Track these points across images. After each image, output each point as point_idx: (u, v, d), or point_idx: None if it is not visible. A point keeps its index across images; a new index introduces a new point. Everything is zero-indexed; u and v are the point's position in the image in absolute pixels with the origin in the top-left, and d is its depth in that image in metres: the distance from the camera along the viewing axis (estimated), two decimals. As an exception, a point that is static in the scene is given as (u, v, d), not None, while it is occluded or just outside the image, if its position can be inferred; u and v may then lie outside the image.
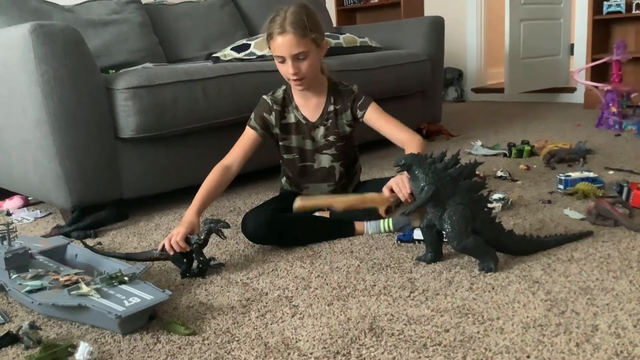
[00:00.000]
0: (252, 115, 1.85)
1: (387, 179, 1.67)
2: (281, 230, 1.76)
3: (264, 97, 1.86)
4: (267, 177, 2.58)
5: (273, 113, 1.84)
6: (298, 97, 1.85)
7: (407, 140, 1.75)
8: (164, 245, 1.59)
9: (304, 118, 1.85)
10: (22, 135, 2.06)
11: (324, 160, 1.89)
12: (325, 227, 1.84)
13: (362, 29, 3.76)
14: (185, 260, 1.59)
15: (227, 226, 1.61)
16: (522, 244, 1.57)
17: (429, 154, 1.52)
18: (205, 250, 1.64)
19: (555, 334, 1.16)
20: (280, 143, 1.89)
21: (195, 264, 1.60)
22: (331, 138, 1.86)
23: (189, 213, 1.66)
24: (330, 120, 1.84)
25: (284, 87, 1.87)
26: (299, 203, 1.52)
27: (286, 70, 1.71)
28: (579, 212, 1.88)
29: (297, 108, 1.85)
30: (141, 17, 2.78)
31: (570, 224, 1.80)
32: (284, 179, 2.01)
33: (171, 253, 1.58)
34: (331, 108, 1.84)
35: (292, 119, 1.85)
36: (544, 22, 4.67)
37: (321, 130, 1.85)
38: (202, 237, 1.59)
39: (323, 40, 1.75)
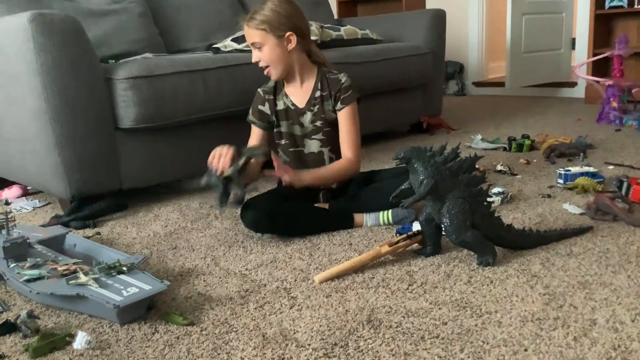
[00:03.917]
0: (250, 111, 1.95)
1: (395, 171, 1.85)
2: (281, 219, 1.77)
3: (258, 90, 1.95)
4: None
5: (267, 103, 1.93)
6: (288, 85, 1.93)
7: (342, 160, 1.88)
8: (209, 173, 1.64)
9: (293, 104, 1.92)
10: (21, 124, 2.06)
11: (313, 145, 1.92)
12: (324, 218, 1.85)
13: (363, 21, 3.75)
14: (225, 188, 1.59)
15: (267, 154, 1.62)
16: (521, 238, 1.57)
17: (429, 147, 1.51)
18: (204, 243, 1.64)
19: (553, 328, 1.16)
20: (275, 130, 1.96)
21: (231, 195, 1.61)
22: (318, 123, 1.91)
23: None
24: (317, 106, 1.90)
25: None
26: (319, 277, 1.50)
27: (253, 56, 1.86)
28: (579, 207, 1.88)
29: (286, 95, 1.93)
30: (141, 7, 2.77)
31: (570, 219, 1.80)
32: None
33: (219, 172, 1.63)
34: (318, 94, 1.91)
35: (282, 105, 1.93)
36: (545, 16, 4.65)
37: (309, 116, 1.91)
38: (240, 163, 1.57)
39: (287, 34, 1.80)
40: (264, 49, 1.82)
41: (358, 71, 2.90)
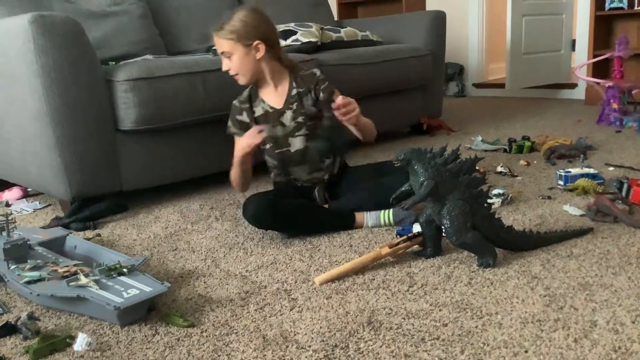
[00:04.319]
0: (229, 123, 1.97)
1: (372, 166, 1.96)
2: (282, 214, 1.77)
3: (234, 102, 1.98)
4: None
5: (244, 112, 1.96)
6: (262, 90, 1.97)
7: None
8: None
9: (271, 107, 1.94)
10: (21, 126, 2.06)
11: (297, 142, 1.93)
12: (326, 215, 1.85)
13: (363, 22, 3.75)
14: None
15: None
16: (522, 240, 1.57)
17: (429, 148, 1.51)
18: (204, 245, 1.64)
19: (553, 330, 1.16)
20: None
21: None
22: (300, 119, 1.93)
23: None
24: (295, 103, 1.93)
25: (252, 86, 1.99)
26: (320, 279, 1.50)
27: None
28: (579, 208, 1.88)
29: (262, 100, 1.96)
30: (142, 9, 2.77)
31: (570, 220, 1.80)
32: (272, 174, 2.05)
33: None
34: (294, 92, 1.94)
35: (260, 111, 1.95)
36: (545, 18, 4.65)
37: (289, 114, 1.93)
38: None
39: (255, 43, 1.85)
40: (233, 58, 1.87)
41: (358, 73, 2.91)
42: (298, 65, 2.02)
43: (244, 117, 1.96)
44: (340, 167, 2.02)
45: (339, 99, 1.76)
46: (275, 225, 1.80)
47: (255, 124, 1.94)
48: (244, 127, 1.94)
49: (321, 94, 1.93)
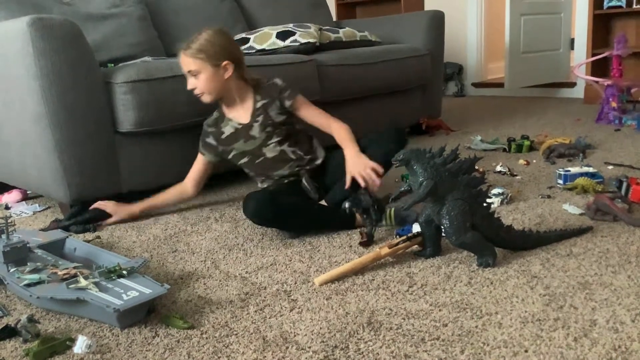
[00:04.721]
0: (200, 143, 2.08)
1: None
2: (282, 211, 1.77)
3: (204, 124, 2.07)
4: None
5: (211, 136, 2.04)
6: (229, 109, 2.04)
7: (336, 127, 1.95)
8: None
9: (239, 124, 2.00)
10: (21, 129, 2.06)
11: (271, 149, 1.99)
12: (326, 214, 1.85)
13: (361, 23, 3.75)
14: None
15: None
16: (521, 239, 1.56)
17: (428, 148, 1.51)
18: (204, 247, 1.64)
19: (553, 329, 1.16)
20: (230, 157, 2.05)
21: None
22: (268, 129, 1.98)
23: (136, 206, 2.07)
24: (261, 115, 1.99)
25: (217, 108, 2.07)
26: (319, 280, 1.50)
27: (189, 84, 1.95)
28: (578, 207, 1.88)
29: (230, 119, 2.02)
30: (140, 11, 2.77)
31: (570, 219, 1.80)
32: (258, 183, 2.09)
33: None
34: (259, 104, 2.00)
35: (229, 130, 2.02)
36: (544, 17, 4.66)
37: (256, 127, 1.98)
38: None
39: (223, 63, 1.91)
40: (200, 77, 1.91)
41: (357, 73, 2.91)
42: (261, 80, 2.06)
43: (211, 140, 2.04)
44: (324, 158, 2.05)
45: (358, 174, 1.77)
46: (276, 221, 1.80)
47: (222, 146, 2.03)
48: (211, 151, 2.06)
49: (286, 102, 1.99)
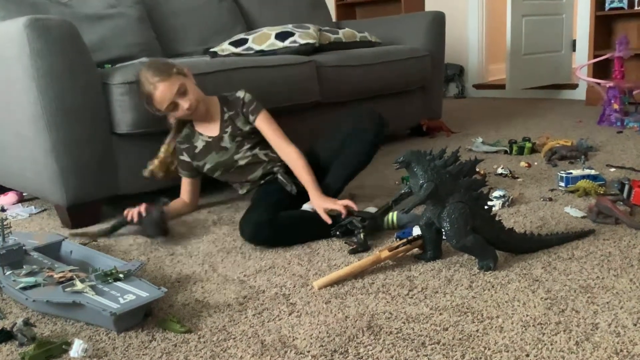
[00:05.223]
0: (176, 162, 2.09)
1: (326, 138, 2.02)
2: (282, 230, 1.75)
3: (176, 142, 2.07)
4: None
5: (184, 152, 2.06)
6: (199, 126, 2.06)
7: (294, 157, 1.93)
8: None
9: (209, 137, 2.03)
10: (17, 130, 2.05)
11: (243, 156, 2.01)
12: (324, 225, 1.82)
13: (361, 24, 3.74)
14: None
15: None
16: (523, 242, 1.55)
17: (429, 150, 1.50)
18: (201, 250, 1.63)
19: (555, 333, 1.15)
20: (205, 169, 2.06)
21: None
22: (238, 139, 2.01)
23: None
24: (229, 127, 2.02)
25: (187, 124, 2.08)
26: (318, 283, 1.49)
27: (181, 109, 1.93)
28: (580, 210, 1.87)
29: (200, 134, 2.05)
30: (138, 12, 2.76)
31: (571, 222, 1.79)
32: (238, 189, 2.10)
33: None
34: (226, 116, 2.03)
35: (200, 144, 2.04)
36: (545, 18, 4.65)
37: (226, 138, 2.01)
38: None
39: (184, 70, 1.96)
40: (189, 91, 1.92)
41: (357, 74, 2.89)
42: (225, 94, 2.08)
43: (185, 157, 2.06)
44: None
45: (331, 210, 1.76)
46: (275, 242, 1.75)
47: (195, 161, 2.05)
48: (187, 167, 2.07)
49: (250, 117, 2.00)
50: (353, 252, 1.65)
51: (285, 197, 1.92)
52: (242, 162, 2.01)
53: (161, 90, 1.88)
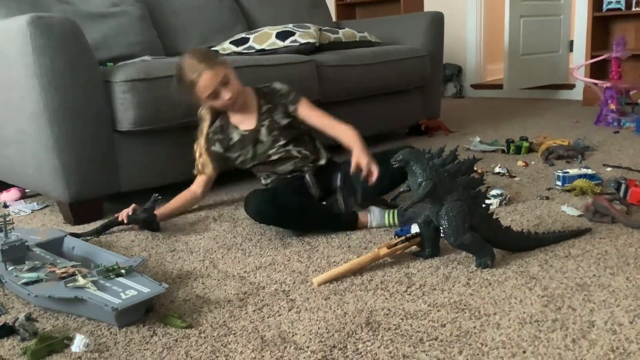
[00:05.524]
0: (199, 159, 2.06)
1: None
2: (284, 210, 1.78)
3: (209, 131, 2.03)
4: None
5: (217, 143, 2.03)
6: (234, 117, 2.02)
7: (343, 129, 1.93)
8: None
9: (245, 130, 2.00)
10: (19, 127, 2.06)
11: (277, 151, 2.00)
12: (328, 214, 1.85)
13: (361, 23, 3.75)
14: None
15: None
16: (520, 240, 1.57)
17: (427, 149, 1.51)
18: (202, 246, 1.64)
19: (551, 330, 1.16)
20: (237, 162, 2.05)
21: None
22: (275, 133, 1.99)
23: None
24: (267, 120, 1.99)
25: (218, 117, 2.04)
26: (318, 280, 1.50)
27: (222, 99, 1.91)
28: (577, 209, 1.88)
29: (236, 127, 2.02)
30: (140, 10, 2.77)
31: (568, 221, 1.80)
32: (261, 179, 2.09)
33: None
34: (264, 109, 2.01)
35: (235, 137, 2.01)
36: (543, 19, 4.66)
37: (263, 131, 1.99)
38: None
39: (227, 61, 1.98)
40: (232, 81, 1.91)
41: (356, 74, 2.91)
42: (260, 86, 2.07)
43: (217, 148, 2.03)
44: (328, 160, 2.06)
45: (362, 163, 1.75)
46: (277, 220, 1.80)
47: (229, 152, 2.03)
48: (216, 158, 2.04)
49: (290, 107, 1.99)
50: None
51: (304, 196, 1.92)
52: (275, 157, 1.99)
53: (206, 78, 1.86)
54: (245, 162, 2.03)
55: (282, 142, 1.98)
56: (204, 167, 2.04)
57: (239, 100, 1.95)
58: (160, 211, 1.99)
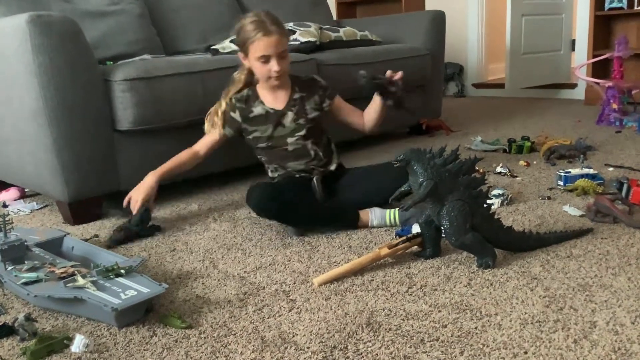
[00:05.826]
0: (214, 117, 2.02)
1: (371, 168, 2.02)
2: (286, 204, 1.77)
3: (231, 97, 1.99)
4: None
5: (238, 111, 1.97)
6: (265, 92, 1.98)
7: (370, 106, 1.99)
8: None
9: (272, 108, 1.96)
10: (19, 126, 2.05)
11: (295, 141, 1.96)
12: (329, 210, 1.84)
13: (362, 22, 3.74)
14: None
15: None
16: (521, 241, 1.56)
17: (428, 149, 1.51)
18: (202, 246, 1.64)
19: (553, 330, 1.16)
20: (251, 136, 1.99)
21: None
22: (301, 121, 1.96)
23: (151, 177, 1.95)
24: (296, 107, 1.96)
25: (246, 88, 2.00)
26: (318, 280, 1.50)
27: (269, 68, 1.85)
28: (579, 209, 1.87)
29: (262, 102, 1.97)
30: (140, 9, 2.76)
31: (570, 221, 1.79)
32: (269, 172, 2.05)
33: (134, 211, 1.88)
34: (297, 96, 1.98)
35: (259, 111, 1.97)
36: (545, 18, 4.65)
37: (290, 116, 1.96)
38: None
39: (289, 38, 1.96)
40: (288, 57, 1.89)
41: (357, 73, 2.89)
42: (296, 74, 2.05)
43: (236, 116, 1.98)
44: (338, 166, 2.04)
45: (397, 75, 1.88)
46: (279, 214, 1.79)
47: (246, 124, 1.98)
48: (232, 125, 1.99)
49: (327, 100, 2.01)
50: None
51: (308, 197, 1.90)
52: (290, 148, 1.95)
53: (272, 40, 1.81)
54: (259, 140, 1.97)
55: (302, 133, 1.95)
56: (215, 126, 1.99)
57: (282, 78, 1.90)
58: (157, 172, 1.95)
